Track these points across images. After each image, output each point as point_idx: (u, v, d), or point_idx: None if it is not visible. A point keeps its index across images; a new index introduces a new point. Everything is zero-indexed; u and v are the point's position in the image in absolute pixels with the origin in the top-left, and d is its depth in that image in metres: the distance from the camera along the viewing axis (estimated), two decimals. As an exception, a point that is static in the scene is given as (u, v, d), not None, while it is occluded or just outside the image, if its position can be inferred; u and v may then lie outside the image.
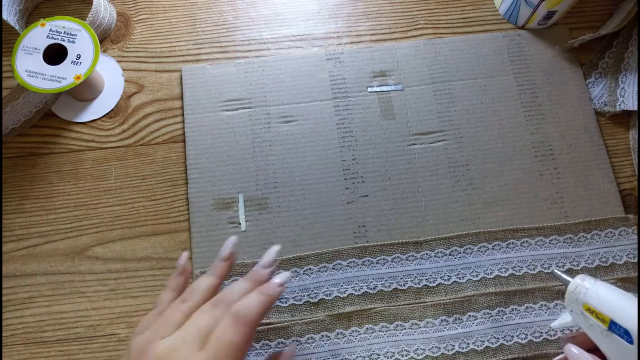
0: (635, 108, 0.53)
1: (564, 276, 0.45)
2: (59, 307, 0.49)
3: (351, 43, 0.58)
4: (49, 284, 0.50)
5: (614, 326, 0.40)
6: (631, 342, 0.39)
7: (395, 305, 0.48)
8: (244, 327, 0.36)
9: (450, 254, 0.50)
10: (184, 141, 0.55)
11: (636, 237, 0.50)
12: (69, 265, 0.50)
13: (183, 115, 0.55)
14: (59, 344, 0.48)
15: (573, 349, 0.43)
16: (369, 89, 0.56)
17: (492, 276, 0.49)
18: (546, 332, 0.48)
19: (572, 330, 0.47)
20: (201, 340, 0.36)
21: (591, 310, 0.42)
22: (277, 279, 0.40)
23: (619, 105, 0.53)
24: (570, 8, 0.56)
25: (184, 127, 0.55)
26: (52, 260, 0.51)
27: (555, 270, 0.45)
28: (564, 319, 0.45)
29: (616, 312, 0.41)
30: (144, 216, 0.52)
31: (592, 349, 0.42)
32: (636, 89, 0.53)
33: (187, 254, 0.44)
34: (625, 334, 0.40)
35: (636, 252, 0.50)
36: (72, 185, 0.53)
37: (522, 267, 0.49)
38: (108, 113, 0.56)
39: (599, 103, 0.55)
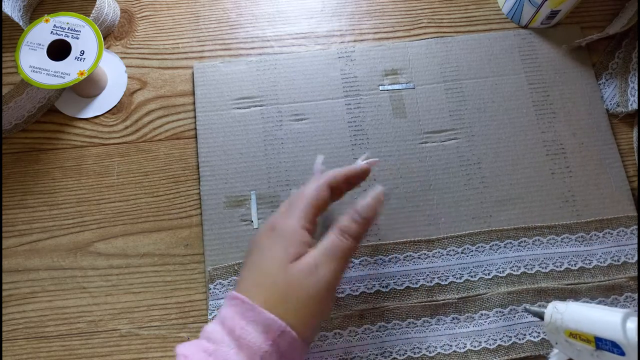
0: None
1: (537, 309, 0.47)
2: (61, 302, 0.54)
3: (354, 41, 0.64)
4: (51, 279, 0.55)
5: (600, 342, 0.41)
6: (622, 354, 0.40)
7: (407, 304, 0.53)
8: (324, 181, 0.45)
9: (462, 252, 0.55)
10: (187, 138, 0.60)
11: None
12: (71, 260, 0.55)
13: (195, 112, 0.60)
14: (60, 339, 0.53)
15: None
16: (381, 87, 0.61)
17: (504, 274, 0.54)
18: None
19: None
20: None
21: (574, 335, 0.43)
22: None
23: (631, 104, 0.58)
24: (573, 8, 0.62)
25: (195, 124, 0.60)
26: (55, 256, 0.55)
27: (527, 306, 0.48)
28: (555, 355, 0.46)
29: (598, 327, 0.41)
30: (146, 212, 0.57)
31: None
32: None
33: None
34: (614, 346, 0.40)
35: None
36: (75, 181, 0.58)
37: (534, 265, 0.54)
38: (111, 109, 0.61)
39: (611, 104, 0.60)
